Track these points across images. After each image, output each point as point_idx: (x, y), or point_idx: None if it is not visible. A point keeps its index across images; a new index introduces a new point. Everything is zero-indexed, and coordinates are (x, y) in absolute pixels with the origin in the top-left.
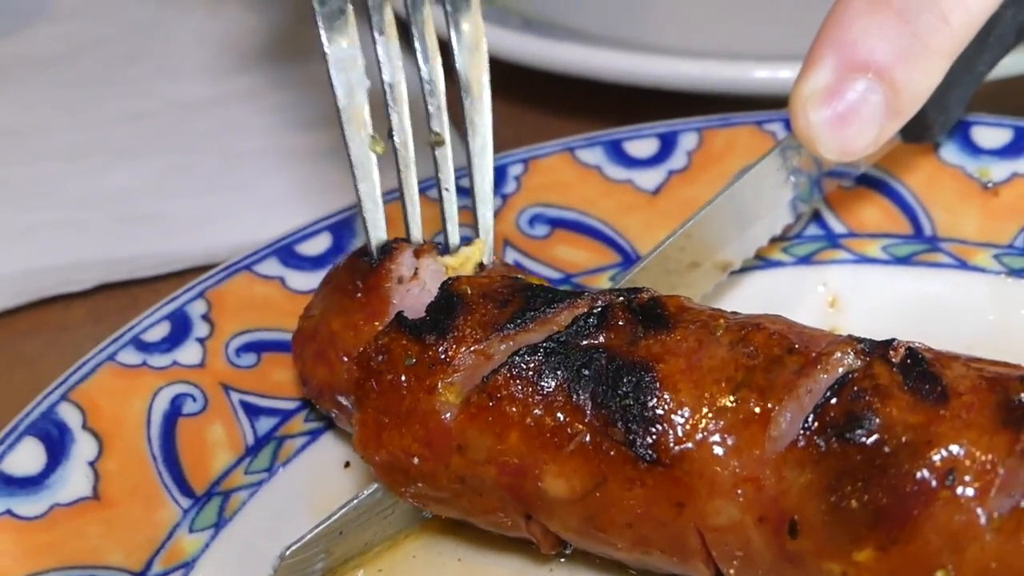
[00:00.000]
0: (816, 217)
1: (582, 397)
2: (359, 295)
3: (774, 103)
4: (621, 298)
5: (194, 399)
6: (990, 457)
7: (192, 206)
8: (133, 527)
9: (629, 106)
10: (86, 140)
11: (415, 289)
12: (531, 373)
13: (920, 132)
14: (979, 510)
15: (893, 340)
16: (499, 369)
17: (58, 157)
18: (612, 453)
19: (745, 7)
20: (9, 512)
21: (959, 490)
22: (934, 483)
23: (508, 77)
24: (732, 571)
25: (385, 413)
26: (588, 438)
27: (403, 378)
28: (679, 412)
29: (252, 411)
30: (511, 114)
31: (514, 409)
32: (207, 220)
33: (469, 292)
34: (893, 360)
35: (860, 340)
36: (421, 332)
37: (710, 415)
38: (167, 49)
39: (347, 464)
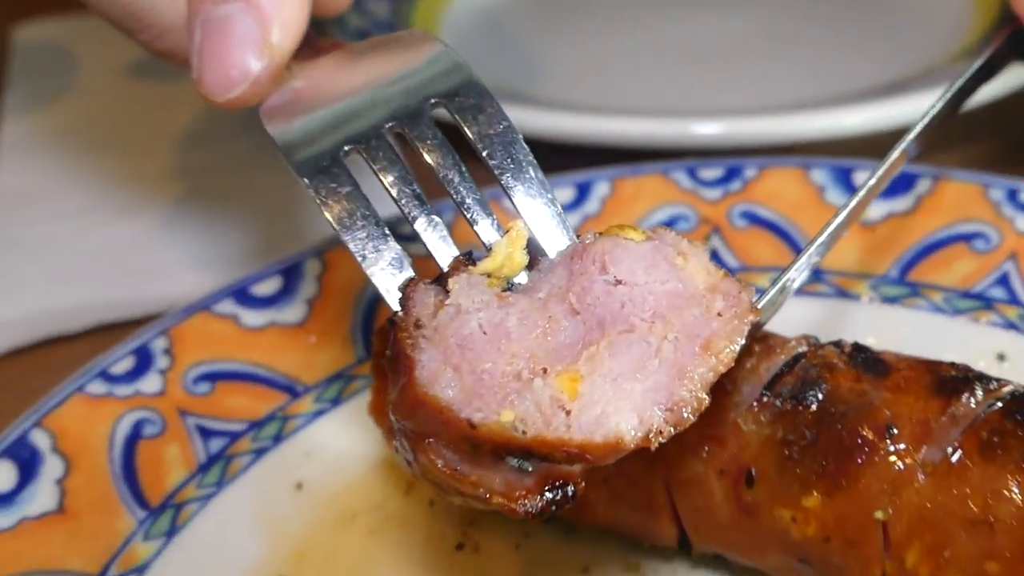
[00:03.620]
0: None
1: None
2: (392, 365)
3: (677, 154)
4: None
5: (153, 423)
6: (924, 417)
7: (180, 256)
8: (93, 536)
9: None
10: (91, 200)
11: (445, 319)
12: None
13: None
14: (913, 460)
15: (842, 339)
16: None
17: (67, 216)
18: None
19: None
20: None
21: (897, 444)
22: (875, 438)
23: None
24: (694, 527)
25: None
26: None
27: None
28: None
29: (205, 433)
30: None
31: None
32: (194, 267)
33: None
34: (842, 348)
35: (813, 337)
36: None
37: None
38: (170, 120)
39: (299, 486)
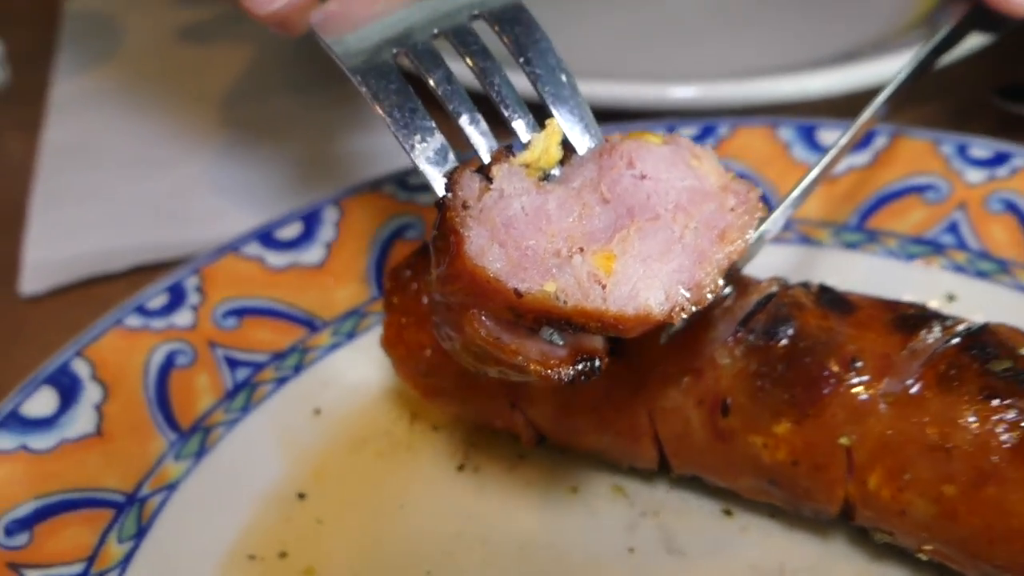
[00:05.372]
0: None
1: None
2: (440, 242)
3: (658, 115)
4: None
5: (185, 354)
6: (886, 351)
7: (214, 205)
8: (128, 457)
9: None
10: (136, 153)
11: (490, 202)
12: None
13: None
14: (876, 391)
15: (809, 280)
16: None
17: (112, 167)
18: None
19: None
20: (24, 447)
21: (861, 375)
22: (840, 370)
23: None
24: (674, 451)
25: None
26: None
27: None
28: None
29: (232, 363)
30: None
31: None
32: (226, 215)
33: None
34: (810, 288)
35: (783, 279)
36: None
37: None
38: (211, 82)
39: (318, 411)
